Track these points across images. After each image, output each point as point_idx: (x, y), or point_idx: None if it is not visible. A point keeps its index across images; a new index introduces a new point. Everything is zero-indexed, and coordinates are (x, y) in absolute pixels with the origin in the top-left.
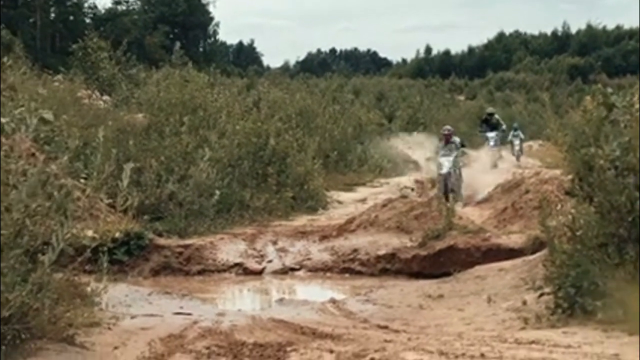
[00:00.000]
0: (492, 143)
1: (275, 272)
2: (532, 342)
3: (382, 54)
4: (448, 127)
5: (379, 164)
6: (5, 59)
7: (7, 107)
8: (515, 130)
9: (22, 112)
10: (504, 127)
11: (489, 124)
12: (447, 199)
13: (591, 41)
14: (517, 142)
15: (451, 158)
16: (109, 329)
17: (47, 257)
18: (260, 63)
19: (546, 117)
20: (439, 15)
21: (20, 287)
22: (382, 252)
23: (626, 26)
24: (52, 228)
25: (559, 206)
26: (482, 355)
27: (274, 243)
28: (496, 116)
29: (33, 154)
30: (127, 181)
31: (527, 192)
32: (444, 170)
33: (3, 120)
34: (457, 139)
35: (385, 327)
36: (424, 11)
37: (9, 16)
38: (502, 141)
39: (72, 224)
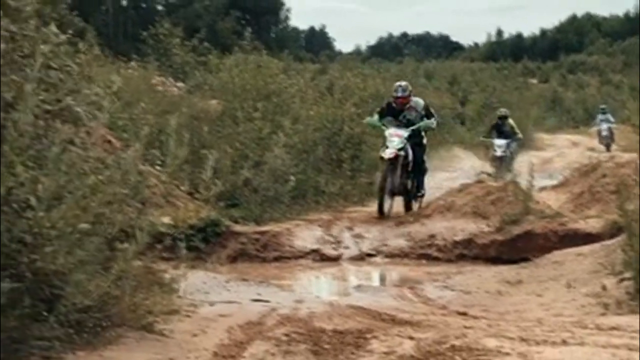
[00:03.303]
0: (498, 152)
1: (352, 259)
2: (613, 328)
3: (453, 38)
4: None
5: (452, 149)
6: (79, 46)
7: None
8: (604, 112)
9: (97, 99)
10: (519, 135)
11: (501, 130)
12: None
13: None
14: (604, 126)
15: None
16: (188, 316)
17: (129, 246)
18: (332, 48)
19: (624, 100)
20: None
21: (100, 276)
22: (459, 237)
23: None
24: (130, 216)
25: (636, 190)
26: (564, 341)
27: (350, 229)
28: (510, 121)
29: (109, 141)
30: (210, 170)
31: (604, 176)
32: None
33: (79, 108)
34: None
35: (464, 314)
36: None
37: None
38: (513, 152)
39: (149, 211)
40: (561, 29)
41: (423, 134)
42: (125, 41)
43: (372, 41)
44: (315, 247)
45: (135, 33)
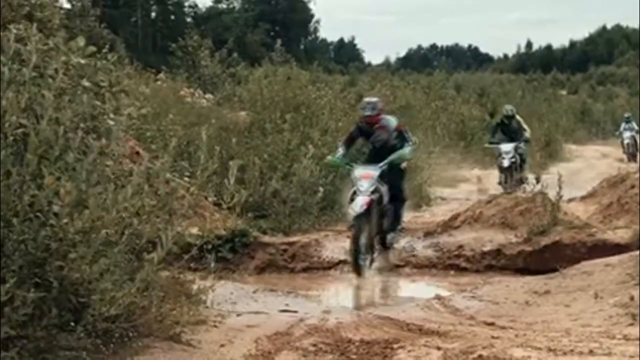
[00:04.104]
0: (505, 161)
1: (380, 269)
2: None
3: (483, 49)
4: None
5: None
6: (109, 57)
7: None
8: (628, 120)
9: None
10: (527, 135)
11: (507, 130)
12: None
13: None
14: (627, 134)
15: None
16: (215, 326)
17: (155, 255)
18: (361, 60)
19: None
20: (539, 10)
21: (127, 285)
22: (487, 248)
23: None
24: (158, 226)
25: None
26: (591, 351)
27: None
28: (518, 118)
29: (137, 153)
30: (233, 178)
31: (632, 187)
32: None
33: (109, 120)
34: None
35: (492, 324)
36: (524, 6)
37: (110, 16)
38: (524, 155)
39: (177, 222)
40: (591, 40)
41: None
42: (154, 53)
43: (402, 53)
44: (343, 257)
45: (164, 45)
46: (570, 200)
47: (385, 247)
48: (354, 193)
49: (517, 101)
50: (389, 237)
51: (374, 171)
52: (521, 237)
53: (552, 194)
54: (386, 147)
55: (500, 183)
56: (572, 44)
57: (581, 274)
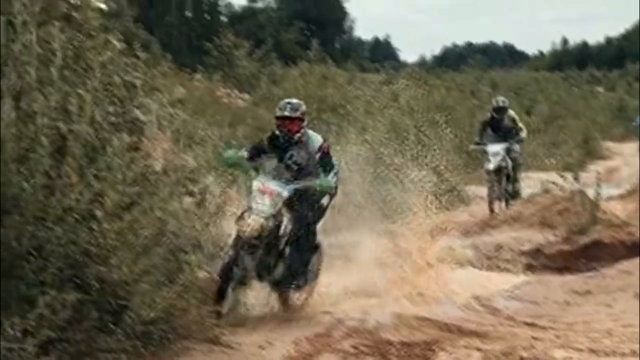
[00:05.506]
0: (492, 163)
1: (419, 269)
2: None
3: (518, 47)
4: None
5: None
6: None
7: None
8: None
9: (163, 111)
10: (523, 134)
11: (498, 127)
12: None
13: None
14: None
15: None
16: (254, 328)
17: (194, 257)
18: (396, 58)
19: None
20: (574, 6)
21: (166, 287)
22: (526, 247)
23: None
24: (196, 227)
25: None
26: (633, 352)
27: (417, 240)
28: (511, 112)
29: (174, 153)
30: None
31: None
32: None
33: (144, 118)
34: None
35: (532, 324)
36: (559, 3)
37: (146, 16)
38: (518, 159)
39: (215, 223)
40: (627, 36)
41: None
42: (190, 53)
43: (437, 51)
44: (381, 257)
45: (199, 45)
46: (609, 198)
47: (286, 307)
48: (249, 208)
49: (555, 99)
50: (293, 295)
51: (282, 189)
52: (560, 236)
53: (590, 192)
54: (302, 173)
55: (489, 196)
56: (608, 40)
57: (621, 273)
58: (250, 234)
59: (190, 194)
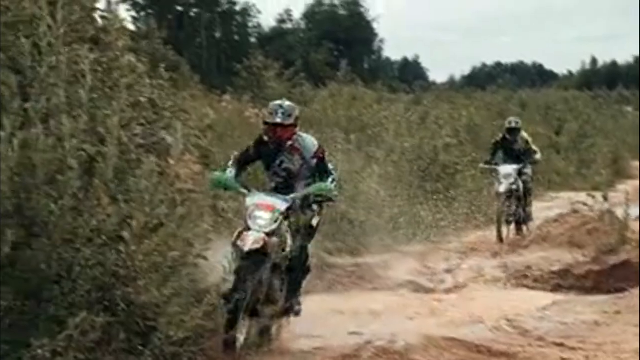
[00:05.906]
0: (503, 185)
1: (448, 290)
2: None
3: (547, 66)
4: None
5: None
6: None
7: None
8: None
9: (190, 133)
10: (537, 157)
11: (511, 148)
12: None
13: None
14: None
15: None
16: (280, 352)
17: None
18: (425, 78)
19: None
20: (602, 25)
21: (194, 308)
22: (555, 268)
23: None
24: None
25: None
26: None
27: (446, 260)
28: (524, 134)
29: (202, 174)
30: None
31: None
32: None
33: (170, 139)
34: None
35: (562, 345)
36: (587, 22)
37: (175, 37)
38: (528, 182)
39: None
40: None
41: (315, 206)
42: (219, 74)
43: (466, 71)
44: (410, 278)
45: (229, 66)
46: (638, 218)
47: (268, 338)
48: (246, 229)
49: (584, 118)
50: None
51: (279, 203)
52: (589, 256)
53: (619, 212)
54: (295, 181)
55: (497, 222)
56: (636, 59)
57: None
58: (252, 247)
59: (219, 215)
